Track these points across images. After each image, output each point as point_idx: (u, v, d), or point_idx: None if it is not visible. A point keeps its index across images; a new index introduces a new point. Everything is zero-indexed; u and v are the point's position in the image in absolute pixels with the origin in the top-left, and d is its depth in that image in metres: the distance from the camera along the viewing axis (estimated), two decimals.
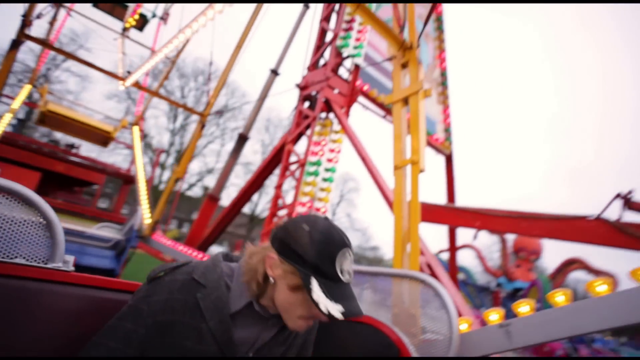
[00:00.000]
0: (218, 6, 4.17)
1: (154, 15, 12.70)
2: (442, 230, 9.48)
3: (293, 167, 6.11)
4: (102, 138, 11.47)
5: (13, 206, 1.62)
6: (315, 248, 0.95)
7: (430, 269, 4.28)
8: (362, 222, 37.59)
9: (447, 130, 9.18)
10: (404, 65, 4.04)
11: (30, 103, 12.50)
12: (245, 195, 7.21)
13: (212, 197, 8.08)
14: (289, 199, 5.99)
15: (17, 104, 8.95)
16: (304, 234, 0.98)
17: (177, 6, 12.90)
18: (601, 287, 1.78)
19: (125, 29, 10.93)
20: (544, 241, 11.26)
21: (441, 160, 9.35)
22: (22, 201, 1.61)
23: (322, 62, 6.73)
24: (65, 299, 1.62)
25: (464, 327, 2.02)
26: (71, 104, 14.60)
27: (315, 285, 0.91)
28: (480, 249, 12.34)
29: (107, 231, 7.42)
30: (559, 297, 1.88)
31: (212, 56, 7.58)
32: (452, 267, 9.46)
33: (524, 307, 1.94)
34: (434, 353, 1.98)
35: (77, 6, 11.49)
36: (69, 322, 1.61)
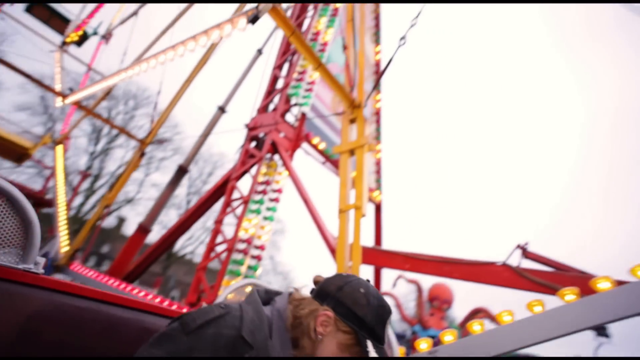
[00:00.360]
0: (179, 50, 4.36)
1: (95, 33, 12.35)
2: (366, 276, 9.99)
3: (235, 204, 6.23)
4: (15, 154, 10.51)
5: None
6: (372, 312, 1.02)
7: None
8: (285, 265, 37.25)
9: (378, 180, 9.96)
10: (352, 121, 4.55)
11: None
12: (182, 228, 7.08)
13: (142, 228, 7.76)
14: (228, 234, 6.05)
15: None
16: (361, 297, 1.03)
17: (122, 28, 12.71)
18: (476, 327, 2.27)
19: (64, 43, 10.48)
20: (455, 291, 12.26)
21: (371, 208, 10.03)
22: (5, 199, 1.53)
23: (271, 106, 7.13)
24: (32, 303, 1.58)
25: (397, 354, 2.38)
26: None
27: (370, 347, 0.99)
28: (398, 297, 12.99)
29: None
30: (476, 327, 2.32)
31: (162, 86, 7.61)
32: None
33: (448, 336, 2.33)
34: None
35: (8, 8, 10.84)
36: (32, 326, 1.57)
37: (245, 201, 5.97)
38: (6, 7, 11.09)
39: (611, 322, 1.87)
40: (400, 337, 13.36)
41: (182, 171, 8.24)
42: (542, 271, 4.20)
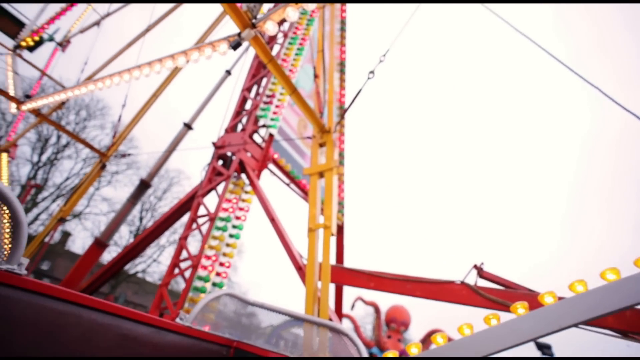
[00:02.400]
0: (145, 70, 4.45)
1: (51, 39, 11.92)
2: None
3: (201, 221, 6.23)
4: None
5: None
6: None
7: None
8: (242, 286, 36.45)
9: (341, 203, 10.27)
10: (322, 145, 4.81)
11: None
12: (142, 244, 6.93)
13: (99, 242, 7.48)
14: (193, 251, 6.03)
15: None
16: None
17: (81, 37, 12.38)
18: (439, 339, 2.54)
19: (17, 47, 10.04)
20: (412, 313, 12.66)
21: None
22: None
23: (239, 126, 7.26)
24: (11, 305, 1.55)
25: None
26: None
27: None
28: (356, 319, 13.16)
29: None
30: (439, 339, 2.58)
31: (126, 99, 7.51)
32: None
33: (414, 349, 2.57)
34: None
35: None
36: (9, 329, 1.54)
37: (212, 218, 6.00)
38: None
39: (558, 331, 2.20)
40: None
41: (144, 186, 8.08)
42: (496, 289, 4.61)
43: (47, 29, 10.19)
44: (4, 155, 10.60)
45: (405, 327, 13.07)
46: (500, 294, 4.33)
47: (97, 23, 11.87)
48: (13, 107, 6.57)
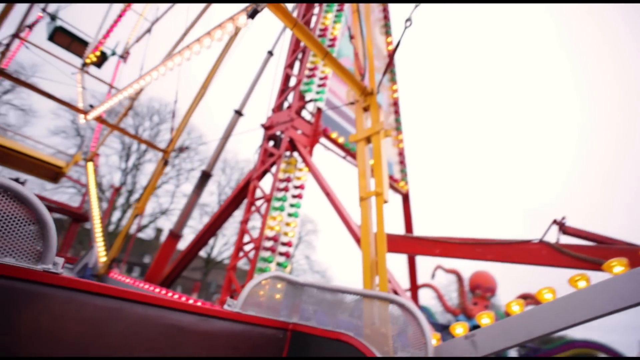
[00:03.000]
0: (186, 54, 4.40)
1: (113, 53, 12.77)
2: (402, 270, 9.85)
3: (259, 203, 6.28)
4: (52, 173, 11.01)
5: (5, 203, 1.56)
6: None
7: (395, 294, 4.54)
8: (322, 264, 37.38)
9: (403, 170, 9.81)
10: (366, 109, 4.48)
11: None
12: (208, 232, 7.21)
13: (173, 234, 7.96)
14: (253, 233, 6.11)
15: None
16: None
17: (138, 46, 13.09)
18: (515, 307, 2.10)
19: (84, 65, 10.88)
20: (498, 278, 11.88)
21: (398, 199, 9.90)
22: (14, 198, 1.57)
23: (286, 104, 7.14)
24: (52, 302, 1.61)
25: (433, 342, 2.20)
26: (12, 135, 13.92)
27: None
28: (438, 288, 12.73)
29: None
30: (515, 307, 2.12)
31: (177, 95, 7.77)
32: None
33: (485, 319, 2.17)
34: None
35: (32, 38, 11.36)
36: (54, 325, 1.60)
37: (268, 199, 6.01)
38: (30, 37, 11.63)
39: None
40: (445, 328, 13.12)
41: (205, 176, 8.39)
42: (584, 246, 3.99)
43: (104, 43, 10.86)
44: (90, 164, 11.69)
45: (492, 292, 12.35)
46: (589, 251, 3.73)
47: (149, 30, 12.44)
48: (81, 118, 7.14)
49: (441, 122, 71.02)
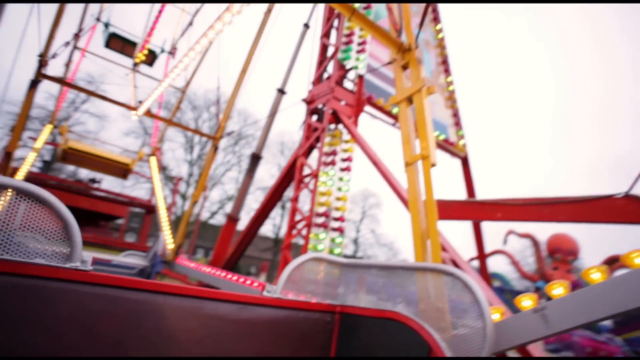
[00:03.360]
0: (217, 26, 4.30)
1: (162, 51, 13.23)
2: (468, 238, 9.32)
3: (307, 180, 6.18)
4: (121, 171, 11.84)
5: (31, 207, 1.62)
6: None
7: (455, 266, 4.24)
8: (388, 237, 37.04)
9: (459, 132, 9.16)
10: (405, 67, 4.11)
11: (52, 143, 13.04)
12: (263, 213, 7.29)
13: (231, 218, 8.19)
14: (306, 210, 6.05)
15: (39, 143, 9.37)
16: None
17: (184, 40, 13.43)
18: (595, 275, 1.69)
19: (135, 64, 11.40)
20: (581, 240, 10.84)
21: (457, 163, 9.30)
22: (38, 202, 1.63)
23: (325, 76, 6.88)
24: (84, 299, 1.65)
25: (495, 316, 1.93)
26: (92, 141, 15.19)
27: None
28: (512, 254, 11.91)
29: (133, 259, 7.59)
30: (595, 274, 1.71)
31: (219, 80, 7.83)
32: (484, 275, 9.21)
33: (557, 289, 1.79)
34: (467, 347, 1.92)
35: (91, 48, 12.11)
36: (89, 321, 1.65)
37: (315, 175, 5.88)
38: (89, 47, 12.40)
39: None
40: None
41: (255, 159, 8.47)
42: None
43: (149, 41, 11.23)
44: (153, 158, 12.39)
45: (574, 256, 11.34)
46: None
47: (191, 23, 12.67)
48: (133, 115, 7.49)
49: (502, 74, 65.89)
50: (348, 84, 6.80)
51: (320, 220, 5.70)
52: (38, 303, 1.58)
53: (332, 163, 5.96)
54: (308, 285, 2.68)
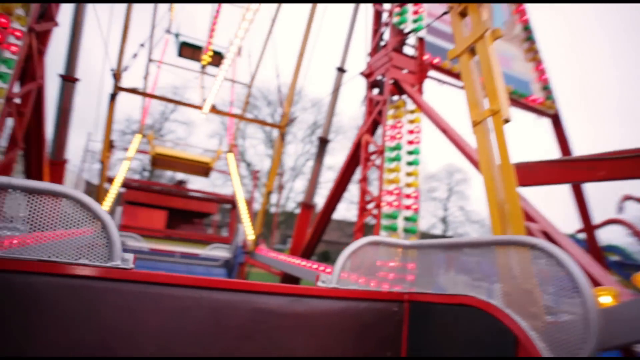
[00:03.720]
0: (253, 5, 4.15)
1: (219, 52, 13.75)
2: (570, 207, 8.15)
3: (374, 158, 5.87)
4: (203, 170, 12.63)
5: (72, 210, 1.67)
6: None
7: (547, 239, 3.64)
8: (479, 214, 34.83)
9: (546, 87, 8.01)
10: (463, 14, 3.58)
11: (143, 151, 14.37)
12: (334, 197, 7.14)
13: (305, 205, 8.23)
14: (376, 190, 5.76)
15: (131, 152, 10.33)
16: None
17: (248, 38, 13.77)
18: None
19: (203, 67, 11.97)
20: None
21: (547, 123, 8.18)
22: (78, 204, 1.67)
23: (382, 45, 6.43)
24: (127, 297, 1.66)
25: (606, 300, 1.51)
26: (174, 145, 16.46)
27: None
28: (631, 223, 10.21)
29: (218, 251, 8.03)
30: None
31: (278, 68, 7.81)
32: (593, 247, 7.98)
33: None
34: (566, 338, 1.52)
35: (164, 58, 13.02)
36: (132, 319, 1.65)
37: (380, 151, 5.54)
38: (162, 57, 13.35)
39: None
40: None
41: (323, 142, 8.35)
42: None
43: (211, 43, 11.66)
44: (230, 155, 13.00)
45: None
46: None
47: (251, 19, 12.91)
48: (200, 113, 7.86)
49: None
50: (409, 50, 6.27)
51: (391, 198, 5.37)
52: (84, 302, 1.61)
53: (398, 137, 5.56)
54: (368, 272, 2.45)
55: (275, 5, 8.58)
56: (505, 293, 1.87)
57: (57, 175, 6.29)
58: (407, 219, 5.38)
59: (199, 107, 7.76)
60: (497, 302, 1.87)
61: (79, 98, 6.27)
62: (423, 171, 33.51)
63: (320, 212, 7.31)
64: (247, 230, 8.52)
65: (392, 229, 5.23)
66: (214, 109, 7.75)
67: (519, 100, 7.16)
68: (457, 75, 6.52)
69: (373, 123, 6.08)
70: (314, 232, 7.43)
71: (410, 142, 5.61)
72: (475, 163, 4.46)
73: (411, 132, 5.64)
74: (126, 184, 13.40)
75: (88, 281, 1.64)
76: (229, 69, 14.40)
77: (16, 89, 4.15)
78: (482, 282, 2.11)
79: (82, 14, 6.41)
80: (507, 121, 3.10)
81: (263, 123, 9.07)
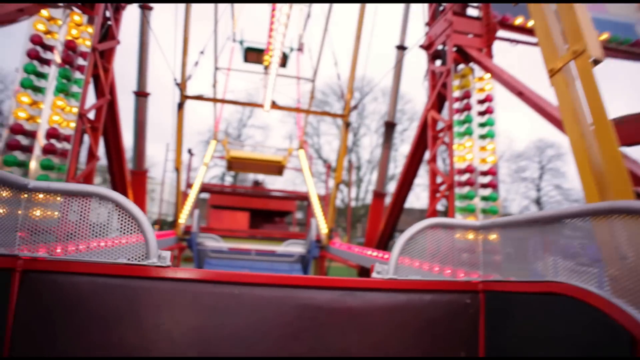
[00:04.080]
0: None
1: (291, 50, 13.87)
2: None
3: (442, 135, 5.36)
4: (277, 168, 12.88)
5: (110, 211, 1.71)
6: None
7: None
8: (580, 191, 31.03)
9: None
10: None
11: (220, 157, 15.16)
12: (405, 183, 6.71)
13: (377, 194, 7.90)
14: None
15: (207, 157, 10.88)
16: None
17: (309, 34, 13.79)
18: None
19: (266, 68, 12.21)
20: None
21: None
22: (115, 205, 1.70)
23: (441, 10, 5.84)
24: (164, 295, 1.63)
25: None
26: (251, 148, 17.13)
27: None
28: None
29: (293, 247, 8.06)
30: None
31: (335, 55, 7.58)
32: None
33: None
34: None
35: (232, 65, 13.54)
36: (170, 318, 1.61)
37: (449, 126, 5.03)
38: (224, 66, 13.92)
39: None
40: None
41: (389, 127, 7.93)
42: None
43: (271, 44, 11.83)
44: (301, 151, 13.10)
45: None
46: None
47: (309, 15, 12.90)
48: (263, 111, 7.96)
49: None
50: (472, 12, 5.61)
51: (465, 177, 4.84)
52: (123, 302, 1.60)
53: (467, 108, 4.99)
54: (432, 259, 2.12)
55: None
56: (612, 278, 1.42)
57: (139, 183, 6.82)
58: (485, 198, 4.80)
59: (261, 105, 7.88)
60: (600, 291, 1.43)
61: (161, 110, 6.70)
62: (509, 150, 30.70)
63: (391, 200, 6.93)
64: (321, 224, 8.44)
65: (469, 211, 4.71)
66: (275, 105, 7.80)
67: (618, 48, 6.02)
68: (531, 32, 5.68)
69: (438, 98, 5.56)
70: (387, 222, 7.08)
71: (482, 113, 5.00)
72: (559, 124, 3.79)
73: (482, 101, 5.03)
74: (209, 189, 14.28)
75: (126, 280, 1.63)
76: (294, 67, 14.64)
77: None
78: (578, 265, 1.67)
79: (146, 35, 6.84)
80: (597, 62, 2.50)
81: (326, 114, 9.01)
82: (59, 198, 1.83)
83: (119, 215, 1.71)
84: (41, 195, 1.83)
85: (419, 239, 2.14)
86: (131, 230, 1.76)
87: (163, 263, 1.71)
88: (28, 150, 3.83)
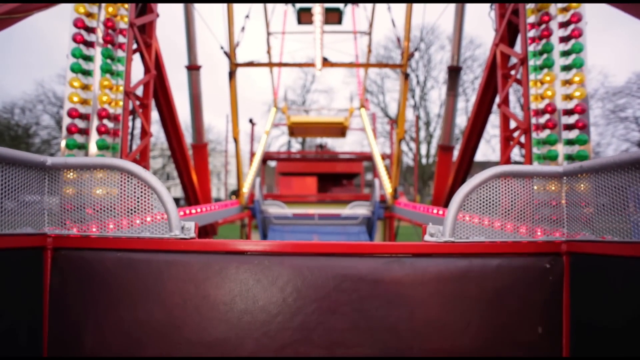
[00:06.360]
0: None
1: (345, 5, 13.10)
2: None
3: (514, 73, 4.62)
4: (339, 130, 12.59)
5: (131, 184, 1.67)
6: None
7: None
8: None
9: None
10: None
11: (279, 124, 15.20)
12: (473, 134, 6.03)
13: (442, 147, 7.28)
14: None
15: (268, 125, 10.92)
16: None
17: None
18: None
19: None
20: None
21: None
22: (132, 176, 1.64)
23: None
24: (188, 268, 1.55)
25: None
26: (314, 112, 16.93)
27: None
28: None
29: (358, 209, 7.86)
30: None
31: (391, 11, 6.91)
32: None
33: None
34: None
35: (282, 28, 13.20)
36: (195, 291, 1.53)
37: (522, 59, 4.29)
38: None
39: None
40: None
41: (453, 72, 7.13)
42: None
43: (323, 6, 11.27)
44: (362, 110, 12.58)
45: None
46: None
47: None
48: (316, 70, 7.64)
49: None
50: None
51: (544, 119, 4.13)
52: (148, 276, 1.56)
53: (546, 35, 4.18)
54: (501, 217, 1.76)
55: None
56: None
57: (200, 157, 6.99)
58: (570, 142, 4.07)
59: (313, 65, 7.57)
60: None
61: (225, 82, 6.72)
62: (602, 88, 26.87)
63: (459, 153, 6.32)
64: (385, 184, 8.08)
65: (551, 158, 4.04)
66: (327, 63, 7.43)
67: None
68: None
69: (509, 28, 4.76)
70: (456, 177, 6.50)
71: (566, 39, 4.15)
72: None
73: (565, 24, 4.16)
74: (275, 157, 14.50)
75: (149, 254, 1.58)
76: (350, 22, 13.90)
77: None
78: None
79: (190, 5, 6.75)
80: None
81: (382, 66, 8.48)
82: (81, 173, 1.80)
83: (139, 187, 1.65)
84: (62, 172, 1.80)
85: (483, 193, 1.78)
86: (152, 201, 1.68)
87: (187, 235, 1.61)
88: (85, 132, 3.97)
